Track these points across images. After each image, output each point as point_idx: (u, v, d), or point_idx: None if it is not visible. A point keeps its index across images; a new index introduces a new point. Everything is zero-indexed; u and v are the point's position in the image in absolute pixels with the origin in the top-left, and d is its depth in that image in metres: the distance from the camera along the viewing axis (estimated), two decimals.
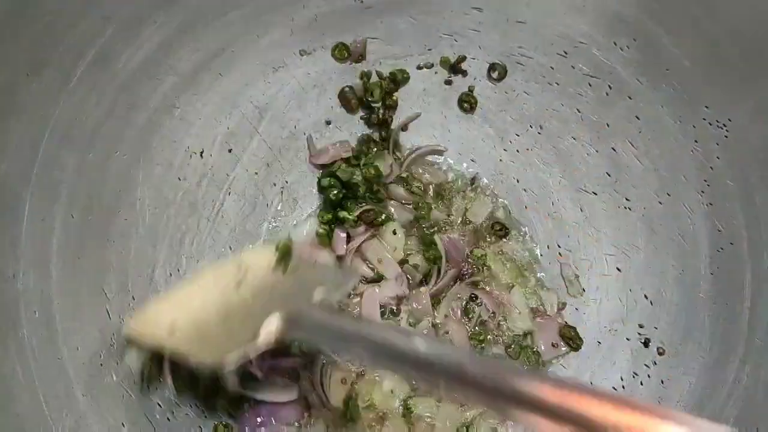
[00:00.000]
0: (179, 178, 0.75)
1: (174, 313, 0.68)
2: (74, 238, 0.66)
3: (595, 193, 0.80)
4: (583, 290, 0.79)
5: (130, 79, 0.69)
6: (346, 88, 0.81)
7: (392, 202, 0.82)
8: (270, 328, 0.61)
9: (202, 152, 0.77)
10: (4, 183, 0.60)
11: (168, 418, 0.68)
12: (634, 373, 0.73)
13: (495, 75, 0.81)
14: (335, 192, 0.79)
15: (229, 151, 0.78)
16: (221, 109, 0.77)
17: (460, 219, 0.82)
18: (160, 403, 0.68)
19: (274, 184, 0.81)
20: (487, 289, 0.80)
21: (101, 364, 0.65)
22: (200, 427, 0.70)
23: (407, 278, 0.79)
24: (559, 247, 0.81)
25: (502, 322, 0.79)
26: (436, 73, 0.82)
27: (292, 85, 0.80)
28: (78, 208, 0.66)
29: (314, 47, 0.79)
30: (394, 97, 0.82)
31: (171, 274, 0.73)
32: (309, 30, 0.78)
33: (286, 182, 0.81)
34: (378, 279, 0.78)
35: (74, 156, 0.66)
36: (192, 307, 0.69)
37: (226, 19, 0.73)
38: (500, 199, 0.83)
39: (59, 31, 0.62)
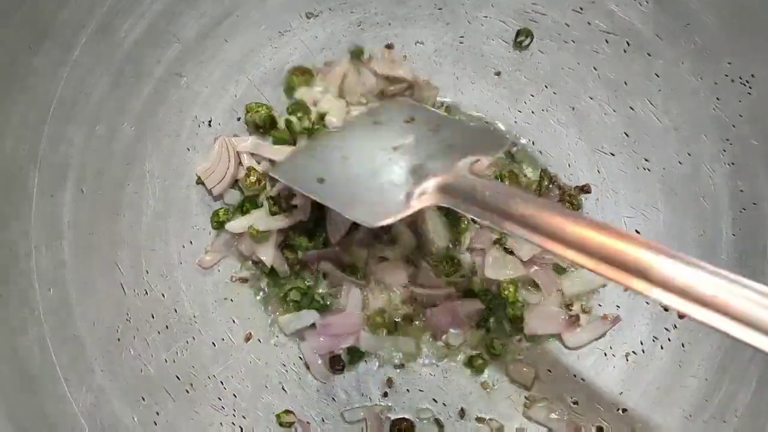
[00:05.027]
0: (188, 149, 0.74)
1: (324, 165, 0.68)
2: (85, 213, 0.65)
3: (613, 154, 0.78)
4: None
5: (133, 49, 0.68)
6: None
7: None
8: (424, 195, 0.60)
9: (210, 121, 0.75)
10: (12, 160, 0.60)
11: (186, 390, 0.68)
12: (654, 336, 0.72)
13: (525, 41, 0.78)
14: None
15: (238, 119, 0.76)
16: (228, 77, 0.75)
17: None
18: (178, 376, 0.69)
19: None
20: None
21: (118, 339, 0.65)
22: (220, 398, 0.70)
23: None
24: None
25: None
26: (447, 33, 0.80)
27: (300, 49, 0.78)
28: (87, 182, 0.65)
29: (321, 9, 0.77)
30: None
31: (183, 246, 0.73)
32: None
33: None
34: None
35: (81, 130, 0.65)
36: (341, 159, 0.68)
37: None
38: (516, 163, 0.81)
39: (57, 1, 0.60)
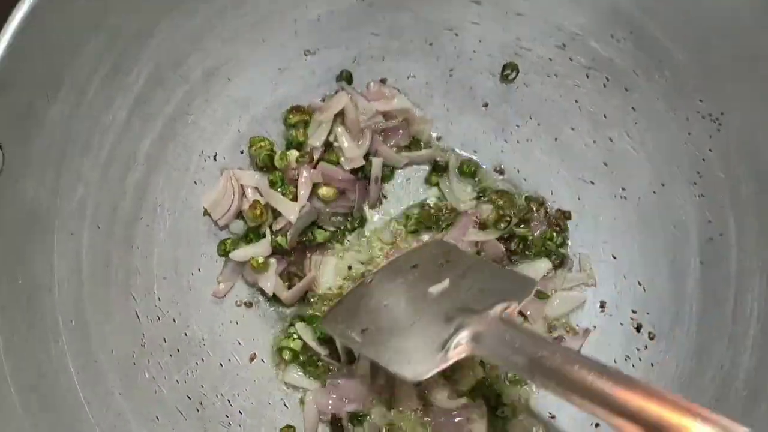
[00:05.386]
0: (195, 182, 0.79)
1: (366, 316, 0.71)
2: (101, 247, 0.70)
3: (593, 182, 0.83)
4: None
5: (143, 90, 0.72)
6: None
7: None
8: (460, 346, 0.61)
9: (215, 155, 0.80)
10: (34, 200, 0.64)
11: (197, 409, 0.74)
12: (627, 356, 0.78)
13: (510, 74, 0.83)
14: None
15: (241, 152, 0.82)
16: (232, 113, 0.80)
17: None
18: (189, 396, 0.75)
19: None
20: None
21: (134, 363, 0.71)
22: (227, 415, 0.76)
23: None
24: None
25: None
26: (438, 67, 0.84)
27: (298, 84, 0.83)
28: (103, 218, 0.70)
29: (318, 47, 0.81)
30: None
31: (192, 273, 0.78)
32: (312, 30, 0.80)
33: None
34: None
35: (96, 170, 0.69)
36: (381, 308, 0.72)
37: (232, 27, 0.75)
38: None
39: (70, 50, 0.64)
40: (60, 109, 0.64)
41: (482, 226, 0.84)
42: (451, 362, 0.62)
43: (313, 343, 0.78)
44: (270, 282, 0.79)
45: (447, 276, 0.72)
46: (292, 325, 0.80)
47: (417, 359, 0.64)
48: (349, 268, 0.83)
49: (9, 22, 0.58)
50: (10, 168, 0.59)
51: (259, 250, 0.78)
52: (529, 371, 0.56)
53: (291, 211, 0.79)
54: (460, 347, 0.62)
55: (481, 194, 0.86)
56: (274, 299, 0.81)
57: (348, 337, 0.72)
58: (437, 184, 0.86)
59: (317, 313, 0.81)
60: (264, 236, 0.79)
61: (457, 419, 0.77)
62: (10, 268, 0.60)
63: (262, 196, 0.80)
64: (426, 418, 0.78)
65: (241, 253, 0.78)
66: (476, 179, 0.87)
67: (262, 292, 0.81)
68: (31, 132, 0.63)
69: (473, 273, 0.72)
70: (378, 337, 0.69)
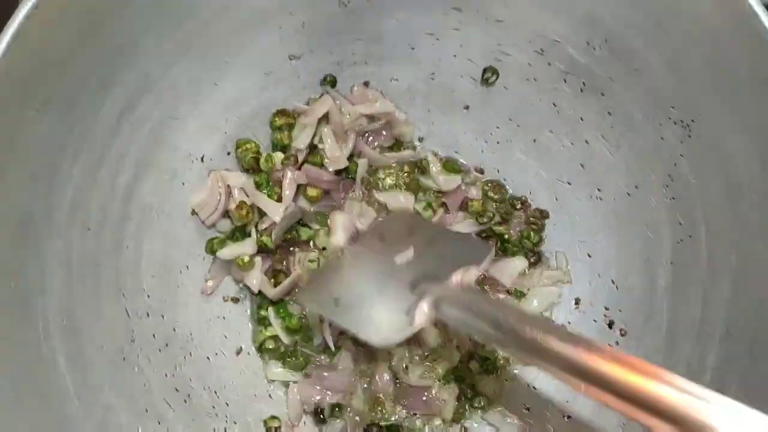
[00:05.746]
0: (183, 183, 0.82)
1: (338, 287, 0.74)
2: (92, 248, 0.73)
3: (570, 183, 0.86)
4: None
5: (131, 97, 0.74)
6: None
7: None
8: (423, 313, 0.64)
9: (203, 157, 0.83)
10: (26, 209, 0.67)
11: (185, 401, 0.78)
12: None
13: (491, 78, 0.85)
14: None
15: (228, 153, 0.85)
16: (218, 116, 0.83)
17: None
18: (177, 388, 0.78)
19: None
20: None
21: (124, 359, 0.74)
22: (214, 406, 0.80)
23: None
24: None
25: None
26: (420, 70, 0.87)
27: (283, 87, 0.85)
28: (93, 221, 0.73)
29: (302, 51, 0.84)
30: None
31: (180, 271, 0.82)
32: (297, 36, 0.82)
33: None
34: None
35: (87, 174, 0.72)
36: (352, 279, 0.75)
37: (218, 35, 0.77)
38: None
39: (60, 64, 0.66)
40: (50, 119, 0.66)
41: (465, 207, 0.87)
42: (417, 328, 0.65)
43: (282, 334, 0.82)
44: (256, 279, 0.82)
45: (411, 245, 0.75)
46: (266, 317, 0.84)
47: (385, 326, 0.67)
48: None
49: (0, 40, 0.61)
50: (2, 177, 0.62)
51: (244, 249, 0.81)
52: (490, 336, 0.57)
53: (276, 212, 0.82)
54: (423, 315, 0.64)
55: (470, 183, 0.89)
56: (261, 295, 0.84)
57: (322, 308, 0.76)
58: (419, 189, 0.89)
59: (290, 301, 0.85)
60: (250, 235, 0.82)
61: (425, 397, 0.82)
62: (2, 274, 0.63)
63: (248, 196, 0.83)
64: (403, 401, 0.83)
65: (228, 251, 0.82)
66: (460, 174, 0.89)
67: (249, 288, 0.84)
68: (22, 142, 0.65)
69: (436, 242, 0.76)
70: (348, 306, 0.72)
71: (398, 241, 0.77)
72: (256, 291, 0.83)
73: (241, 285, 0.85)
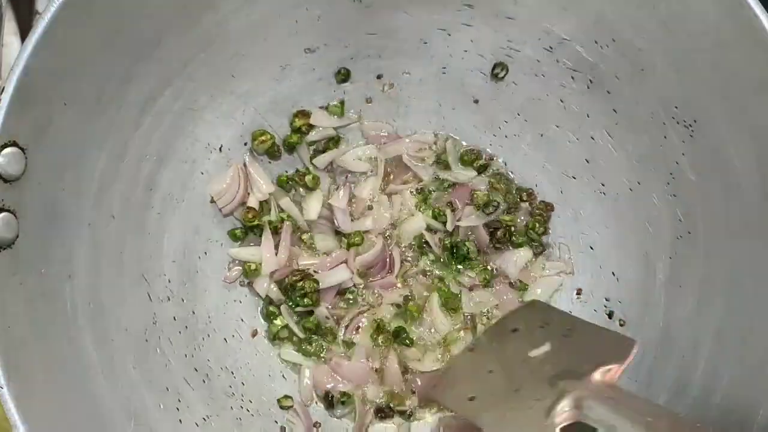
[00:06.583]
0: (202, 173, 0.85)
1: (473, 385, 0.72)
2: (116, 235, 0.76)
3: (575, 177, 0.89)
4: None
5: (153, 90, 0.77)
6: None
7: None
8: (565, 413, 0.61)
9: (221, 147, 0.86)
10: (55, 200, 0.69)
11: (203, 381, 0.82)
12: None
13: (500, 73, 0.87)
14: None
15: (245, 144, 0.88)
16: (236, 107, 0.86)
17: None
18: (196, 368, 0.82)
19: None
20: None
21: (146, 340, 0.78)
22: (230, 386, 0.84)
23: None
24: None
25: None
26: (432, 65, 0.89)
27: (299, 80, 0.88)
28: (117, 210, 0.76)
29: (318, 45, 0.86)
30: None
31: (199, 257, 0.85)
32: (312, 30, 0.84)
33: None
34: None
35: (111, 165, 0.75)
36: (488, 376, 0.72)
37: (236, 29, 0.80)
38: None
39: (86, 61, 0.68)
40: (77, 113, 0.69)
41: (472, 199, 0.90)
42: (557, 430, 0.62)
43: (295, 329, 0.87)
44: (263, 286, 0.87)
45: (547, 339, 0.73)
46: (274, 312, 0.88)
47: (526, 428, 0.64)
48: None
49: (29, 37, 0.63)
50: (33, 171, 0.65)
51: (253, 255, 0.87)
52: None
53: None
54: (565, 413, 0.62)
55: (482, 170, 0.92)
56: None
57: (456, 406, 0.74)
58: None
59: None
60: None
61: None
62: (35, 262, 0.67)
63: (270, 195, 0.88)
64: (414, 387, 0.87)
65: (235, 252, 0.87)
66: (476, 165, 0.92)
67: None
68: (51, 137, 0.67)
69: (572, 335, 0.74)
70: (485, 404, 0.70)
71: (532, 333, 0.75)
72: (263, 296, 0.87)
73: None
